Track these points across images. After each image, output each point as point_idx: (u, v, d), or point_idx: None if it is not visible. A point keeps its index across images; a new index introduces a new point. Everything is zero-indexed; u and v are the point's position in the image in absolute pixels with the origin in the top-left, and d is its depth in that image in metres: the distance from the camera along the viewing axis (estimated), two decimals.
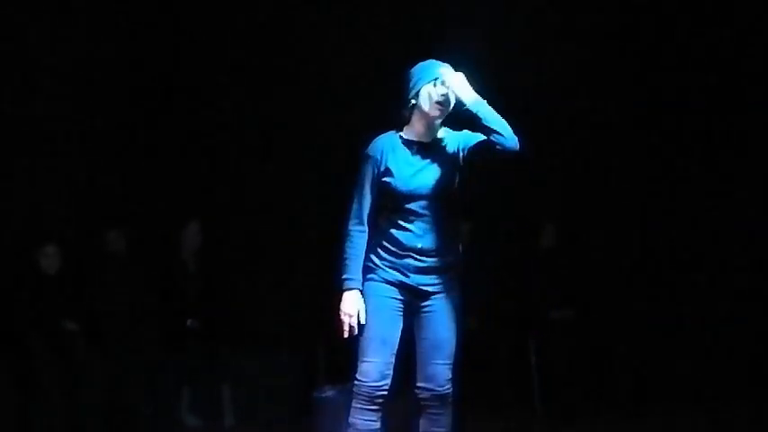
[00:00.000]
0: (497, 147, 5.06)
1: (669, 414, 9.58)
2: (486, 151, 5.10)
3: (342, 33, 10.36)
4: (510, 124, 5.12)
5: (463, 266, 5.29)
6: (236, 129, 10.45)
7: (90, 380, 9.03)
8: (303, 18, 10.42)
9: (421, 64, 5.23)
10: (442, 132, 5.22)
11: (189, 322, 9.47)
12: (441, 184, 5.12)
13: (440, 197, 5.12)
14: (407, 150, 5.16)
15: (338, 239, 10.14)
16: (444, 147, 5.19)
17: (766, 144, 10.44)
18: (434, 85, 5.14)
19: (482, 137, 5.10)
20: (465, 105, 5.10)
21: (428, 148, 5.17)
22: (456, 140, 5.19)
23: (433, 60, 5.24)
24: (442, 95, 5.13)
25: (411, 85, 5.16)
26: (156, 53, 10.19)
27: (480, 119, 5.06)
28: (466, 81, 5.15)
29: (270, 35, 10.40)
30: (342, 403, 5.70)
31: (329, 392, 6.01)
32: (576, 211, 10.48)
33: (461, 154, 5.15)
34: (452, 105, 5.17)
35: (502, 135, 5.05)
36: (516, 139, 5.08)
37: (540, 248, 10.30)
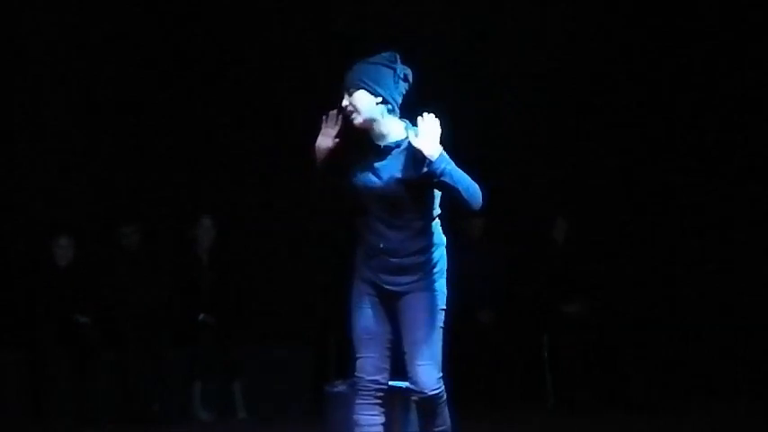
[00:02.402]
0: (458, 205, 4.98)
1: (681, 409, 9.57)
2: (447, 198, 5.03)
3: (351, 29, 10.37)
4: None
5: (438, 266, 5.10)
6: (249, 125, 10.45)
7: (101, 373, 9.07)
8: (311, 13, 10.43)
9: (391, 76, 5.04)
10: (403, 132, 5.05)
11: (201, 317, 9.49)
12: (394, 187, 5.00)
13: (393, 200, 5.02)
14: (370, 149, 5.09)
15: (349, 235, 10.15)
16: (402, 152, 5.03)
17: None
18: (348, 95, 5.05)
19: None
20: (428, 162, 4.89)
21: (385, 149, 5.06)
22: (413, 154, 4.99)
23: (398, 77, 5.04)
24: (354, 111, 5.04)
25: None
26: (170, 49, 10.20)
27: (443, 185, 4.91)
28: (436, 135, 4.89)
29: (277, 31, 10.40)
30: (353, 398, 5.67)
31: (340, 387, 6.00)
32: (587, 206, 10.47)
33: (417, 171, 4.98)
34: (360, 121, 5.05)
35: (466, 201, 4.95)
36: (480, 197, 4.97)
37: (553, 243, 10.30)
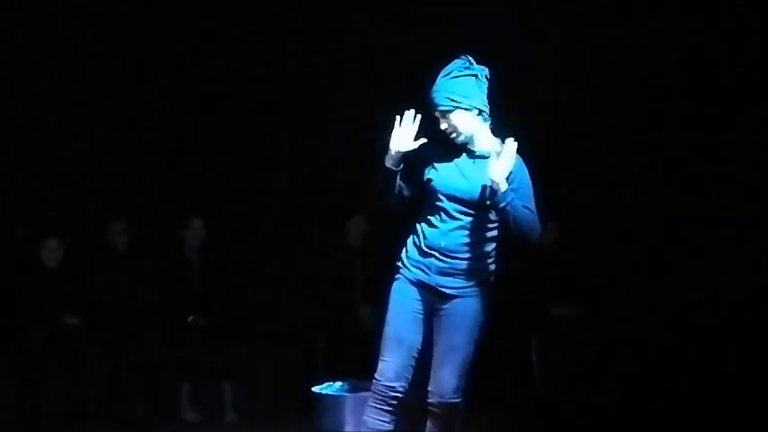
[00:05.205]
0: (516, 237, 5.09)
1: (670, 413, 9.57)
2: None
3: (355, 35, 10.38)
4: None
5: (492, 276, 5.18)
6: (239, 126, 10.45)
7: (90, 374, 9.06)
8: (313, 17, 10.43)
9: (475, 83, 5.09)
10: (497, 146, 5.13)
11: (191, 318, 9.48)
12: (477, 195, 5.06)
13: (474, 206, 5.08)
14: (458, 151, 5.14)
15: (340, 235, 10.14)
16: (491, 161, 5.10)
17: None
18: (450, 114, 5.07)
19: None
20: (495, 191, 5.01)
21: (476, 157, 5.13)
22: None
23: (481, 80, 5.10)
24: (454, 132, 5.09)
25: (462, 94, 5.07)
26: (162, 48, 10.20)
27: (506, 219, 5.04)
28: (508, 167, 5.02)
29: (278, 34, 10.40)
30: (341, 399, 5.68)
31: (328, 388, 6.01)
32: (578, 208, 10.48)
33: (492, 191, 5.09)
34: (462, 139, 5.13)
35: (517, 235, 5.07)
36: (535, 235, 5.12)
37: (542, 245, 10.28)
